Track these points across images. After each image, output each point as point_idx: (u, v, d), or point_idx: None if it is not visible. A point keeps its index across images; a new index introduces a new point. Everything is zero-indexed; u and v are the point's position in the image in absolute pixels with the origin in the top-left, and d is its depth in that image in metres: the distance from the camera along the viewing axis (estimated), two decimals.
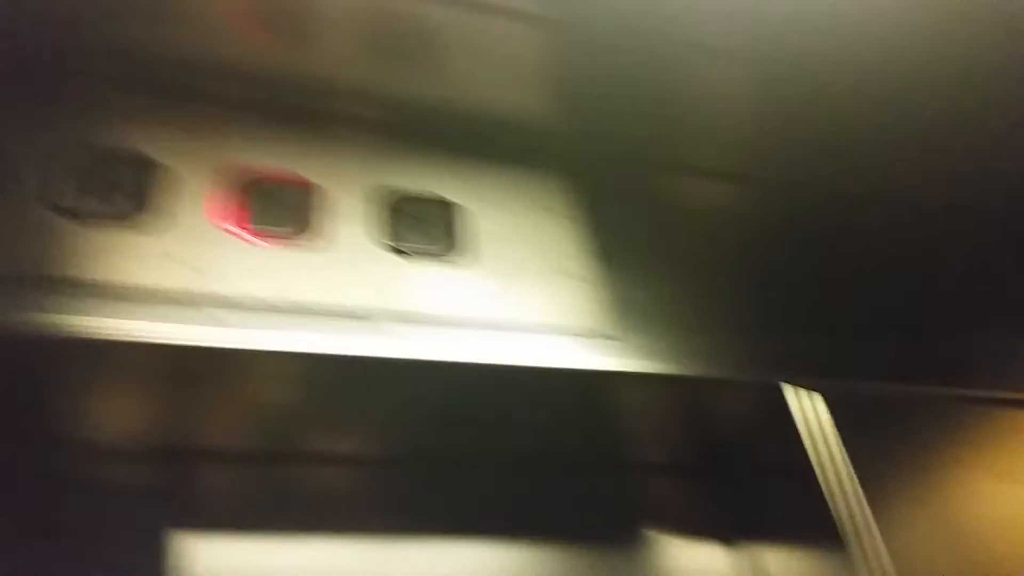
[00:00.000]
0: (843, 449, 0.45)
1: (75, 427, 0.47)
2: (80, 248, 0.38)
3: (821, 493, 0.45)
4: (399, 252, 0.44)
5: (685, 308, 0.49)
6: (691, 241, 0.53)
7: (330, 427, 0.51)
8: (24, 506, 0.45)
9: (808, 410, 0.47)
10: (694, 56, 0.50)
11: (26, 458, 0.46)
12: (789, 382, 0.48)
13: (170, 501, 0.47)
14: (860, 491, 0.44)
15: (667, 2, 0.46)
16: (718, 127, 0.55)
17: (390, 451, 0.53)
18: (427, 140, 0.50)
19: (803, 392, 0.48)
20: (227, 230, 0.41)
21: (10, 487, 0.45)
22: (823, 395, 0.47)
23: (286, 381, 0.45)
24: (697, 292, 0.50)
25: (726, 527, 0.58)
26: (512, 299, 0.45)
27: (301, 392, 0.46)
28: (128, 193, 0.40)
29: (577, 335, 0.45)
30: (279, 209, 0.43)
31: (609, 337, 0.46)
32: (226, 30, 0.46)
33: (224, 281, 0.40)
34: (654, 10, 0.47)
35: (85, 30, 0.45)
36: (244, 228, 0.42)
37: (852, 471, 0.44)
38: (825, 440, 0.46)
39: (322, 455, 0.52)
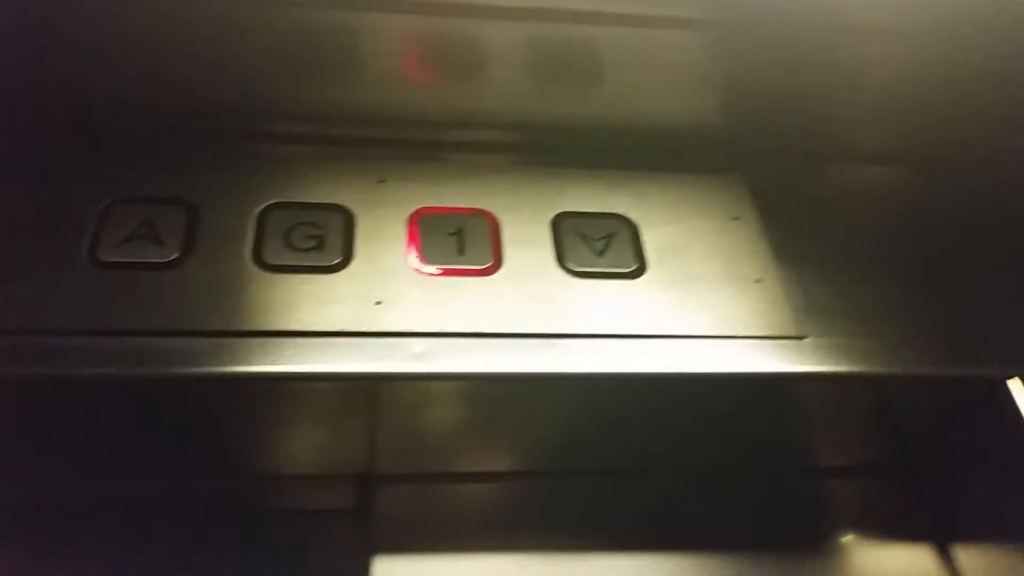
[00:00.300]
0: None
1: (272, 461, 0.52)
2: (283, 298, 0.42)
3: None
4: (576, 273, 0.46)
5: (870, 303, 0.47)
6: (868, 231, 0.52)
7: (509, 446, 0.53)
8: (230, 537, 0.50)
9: None
10: (855, 41, 0.49)
11: (232, 492, 0.51)
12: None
13: (360, 524, 0.50)
14: None
15: None
16: (886, 111, 0.53)
17: (573, 466, 0.54)
18: (596, 160, 0.52)
19: None
20: (417, 269, 0.45)
21: (217, 520, 0.50)
22: None
23: (468, 404, 0.48)
24: (881, 285, 0.48)
25: (932, 528, 0.55)
26: (691, 308, 0.45)
27: (482, 413, 0.49)
28: (330, 244, 0.45)
29: (760, 339, 0.45)
30: (462, 243, 0.46)
31: (793, 338, 0.45)
32: (394, 76, 0.50)
33: (411, 313, 0.43)
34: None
35: (267, 94, 0.50)
36: (429, 263, 0.45)
37: None
38: None
39: (500, 474, 0.54)
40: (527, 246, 0.47)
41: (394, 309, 0.43)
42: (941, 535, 0.55)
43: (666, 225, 0.49)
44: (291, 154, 0.50)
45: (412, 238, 0.46)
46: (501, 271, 0.45)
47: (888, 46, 0.49)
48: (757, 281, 0.47)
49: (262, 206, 0.46)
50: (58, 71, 0.46)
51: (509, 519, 0.51)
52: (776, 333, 0.45)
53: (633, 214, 0.50)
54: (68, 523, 0.49)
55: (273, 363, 0.39)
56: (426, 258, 0.45)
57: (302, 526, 0.50)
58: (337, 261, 0.44)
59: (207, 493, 0.51)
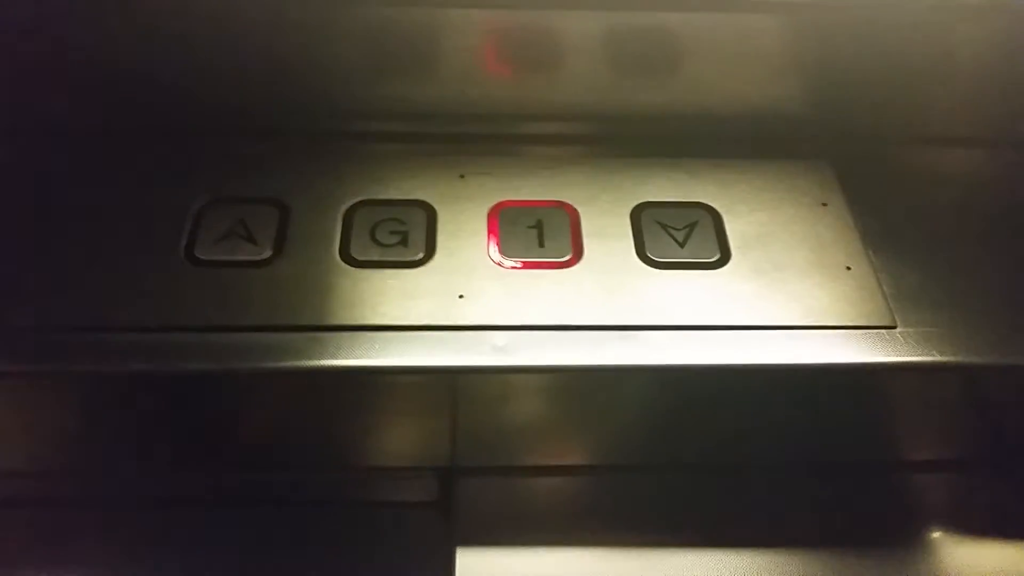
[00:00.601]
0: None
1: (357, 454, 0.53)
2: (370, 293, 0.43)
3: None
4: (657, 263, 0.46)
5: (963, 290, 0.45)
6: (959, 215, 0.50)
7: (588, 439, 0.53)
8: (314, 527, 0.51)
9: None
10: (946, 18, 0.47)
11: (317, 484, 0.53)
12: None
13: (443, 516, 0.51)
14: None
15: None
16: (978, 91, 0.51)
17: (651, 459, 0.54)
18: (676, 148, 0.51)
19: None
20: (498, 262, 0.45)
21: (302, 511, 0.52)
22: None
23: (549, 396, 0.48)
24: (973, 271, 0.46)
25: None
26: (776, 298, 0.44)
27: (562, 406, 0.49)
28: (414, 239, 0.46)
29: (849, 328, 0.44)
30: (542, 235, 0.46)
31: (884, 327, 0.44)
32: (473, 72, 0.50)
33: (493, 307, 0.43)
34: None
35: (351, 93, 0.51)
36: (510, 256, 0.46)
37: None
38: None
39: (579, 467, 0.54)
40: (607, 237, 0.47)
41: (476, 302, 0.43)
42: None
43: (750, 213, 0.49)
44: (374, 152, 0.51)
45: (492, 231, 0.47)
46: (581, 263, 0.46)
47: (981, 23, 0.47)
48: (846, 269, 0.46)
49: (348, 204, 0.47)
50: (158, 76, 0.48)
51: (586, 512, 0.51)
52: (866, 323, 0.44)
53: (715, 203, 0.49)
54: (154, 512, 0.52)
55: (361, 357, 0.41)
56: (506, 251, 0.46)
57: (386, 518, 0.51)
58: (420, 256, 0.45)
59: (292, 485, 0.53)
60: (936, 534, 0.53)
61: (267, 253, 0.44)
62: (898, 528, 0.53)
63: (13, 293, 0.42)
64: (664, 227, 0.48)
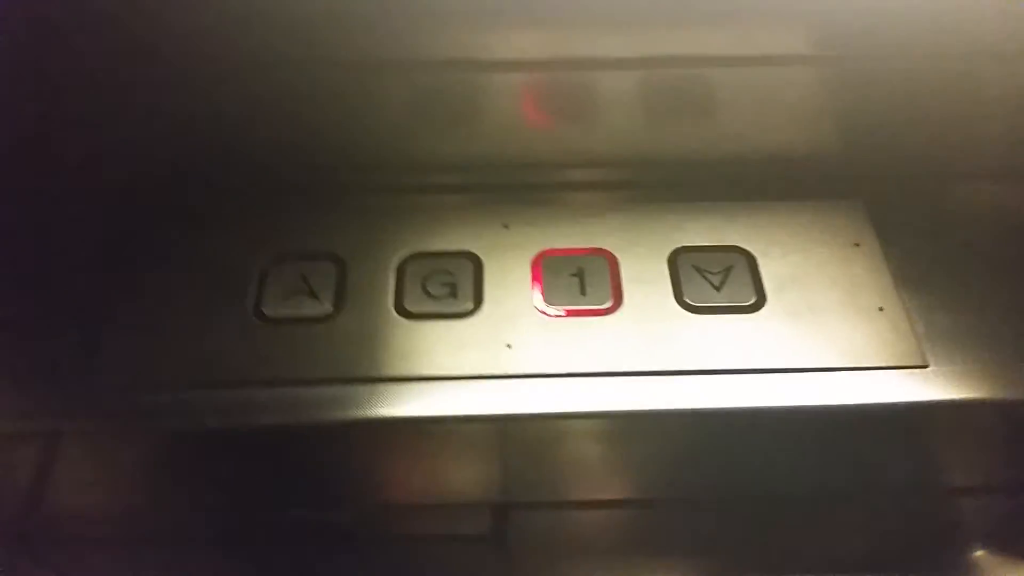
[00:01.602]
0: None
1: (415, 491, 0.56)
2: (424, 344, 0.46)
3: None
4: (695, 308, 0.48)
5: (994, 327, 0.47)
6: (990, 254, 0.51)
7: (631, 475, 0.55)
8: (375, 560, 0.54)
9: None
10: (973, 66, 0.49)
11: (376, 520, 0.56)
12: None
13: (496, 549, 0.54)
14: None
15: (933, 17, 0.46)
16: (1007, 130, 0.52)
17: (696, 494, 0.56)
18: (710, 192, 0.53)
19: None
20: (542, 311, 0.48)
21: (364, 545, 0.54)
22: None
23: (594, 437, 0.50)
24: (1004, 309, 0.48)
25: None
26: (812, 340, 0.46)
27: (606, 446, 0.51)
28: (462, 289, 0.48)
29: (883, 369, 0.45)
30: (584, 283, 0.49)
31: (917, 367, 0.45)
32: (515, 125, 0.53)
33: (539, 355, 0.46)
34: (922, 26, 0.46)
35: (401, 149, 0.54)
36: (554, 305, 0.48)
37: None
38: None
39: (622, 501, 0.56)
40: (646, 283, 0.49)
41: (523, 351, 0.46)
42: None
43: (784, 256, 0.50)
44: (423, 204, 0.53)
45: (536, 279, 0.49)
46: (621, 309, 0.48)
47: (1007, 67, 0.48)
48: (879, 310, 0.48)
49: (401, 256, 0.50)
50: (225, 144, 0.52)
51: (629, 544, 0.54)
52: (900, 363, 0.45)
53: (750, 245, 0.51)
54: (221, 549, 0.55)
55: (416, 408, 0.43)
56: (550, 300, 0.48)
57: (442, 550, 0.54)
58: (470, 307, 0.48)
59: (353, 522, 0.56)
60: (979, 553, 0.54)
61: (328, 308, 0.47)
62: (938, 549, 0.55)
63: (94, 352, 0.46)
64: (700, 271, 0.50)
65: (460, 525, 0.55)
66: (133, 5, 0.45)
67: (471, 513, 0.55)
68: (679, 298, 0.48)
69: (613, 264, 0.50)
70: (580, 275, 0.49)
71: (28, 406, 0.45)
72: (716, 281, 0.49)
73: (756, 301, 0.48)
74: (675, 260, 0.50)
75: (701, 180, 0.54)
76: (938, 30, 0.47)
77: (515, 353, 0.46)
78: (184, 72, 0.48)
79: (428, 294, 0.48)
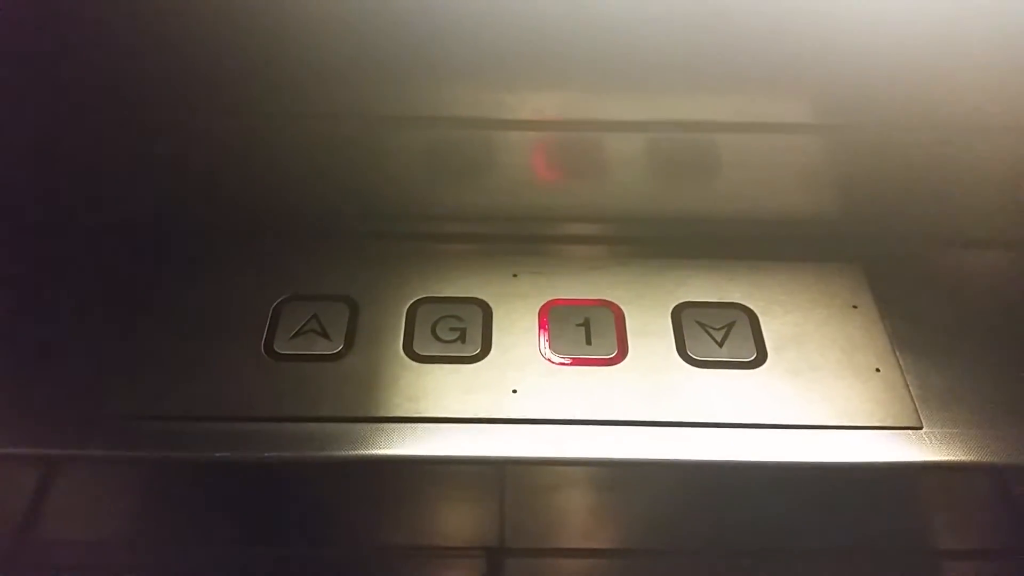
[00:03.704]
0: None
1: (414, 533, 0.56)
2: (431, 387, 0.47)
3: None
4: (697, 362, 0.49)
5: (988, 391, 0.48)
6: (985, 318, 0.52)
7: (628, 524, 0.56)
8: None
9: None
10: (969, 139, 0.50)
11: (374, 560, 0.56)
12: None
13: None
14: None
15: (932, 90, 0.48)
16: (1003, 197, 0.54)
17: (693, 544, 0.56)
18: (714, 250, 0.55)
19: None
20: (548, 359, 0.49)
21: None
22: None
23: (593, 485, 0.51)
24: (998, 372, 0.49)
25: None
26: (810, 398, 0.47)
27: (604, 494, 0.52)
28: (471, 335, 0.50)
29: (878, 429, 0.46)
30: (589, 333, 0.50)
31: (911, 428, 0.46)
32: (526, 180, 0.55)
33: (544, 401, 0.47)
34: (921, 99, 0.48)
35: (416, 199, 0.56)
36: (560, 353, 0.49)
37: None
38: None
39: (619, 550, 0.57)
40: (650, 336, 0.50)
41: (528, 397, 0.47)
42: None
43: (785, 314, 0.52)
44: (435, 251, 0.55)
45: (543, 328, 0.51)
46: (626, 360, 0.49)
47: (1002, 140, 0.50)
48: (876, 371, 0.49)
49: (411, 300, 0.52)
50: (244, 185, 0.54)
51: None
52: (895, 423, 0.47)
53: (752, 303, 0.52)
54: None
55: (421, 448, 0.44)
56: (556, 348, 0.50)
57: None
58: (477, 352, 0.49)
59: (351, 561, 0.56)
60: None
61: (339, 347, 0.49)
62: None
63: (107, 383, 0.47)
64: (703, 327, 0.51)
65: (455, 570, 0.56)
66: (163, 61, 0.47)
67: (467, 558, 0.55)
68: (682, 352, 0.50)
69: (619, 316, 0.51)
70: (586, 325, 0.51)
71: (33, 434, 0.45)
72: (718, 337, 0.51)
73: (757, 357, 0.50)
74: (679, 315, 0.52)
75: (705, 238, 0.56)
76: (937, 102, 0.49)
77: (520, 398, 0.47)
78: (210, 124, 0.51)
79: (437, 338, 0.50)
